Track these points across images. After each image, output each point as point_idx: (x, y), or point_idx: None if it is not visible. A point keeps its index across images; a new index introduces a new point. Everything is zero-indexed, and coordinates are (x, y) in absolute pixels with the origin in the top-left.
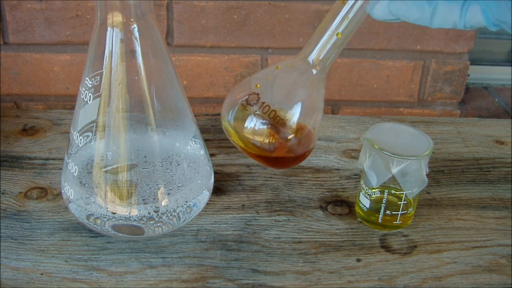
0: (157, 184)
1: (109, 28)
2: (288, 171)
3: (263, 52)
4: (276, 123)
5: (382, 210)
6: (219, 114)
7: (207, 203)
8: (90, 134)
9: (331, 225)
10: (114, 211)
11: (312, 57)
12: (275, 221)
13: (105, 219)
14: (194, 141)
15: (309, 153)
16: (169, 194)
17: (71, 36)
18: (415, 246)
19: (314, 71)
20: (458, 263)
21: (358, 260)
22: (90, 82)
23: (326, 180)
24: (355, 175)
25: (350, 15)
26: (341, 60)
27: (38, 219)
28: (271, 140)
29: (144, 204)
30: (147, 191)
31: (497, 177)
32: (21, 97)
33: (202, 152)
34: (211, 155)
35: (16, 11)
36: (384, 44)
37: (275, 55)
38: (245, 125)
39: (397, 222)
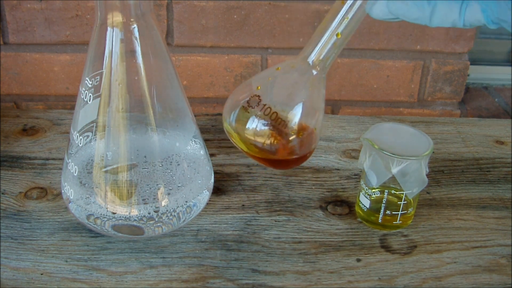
0: (157, 184)
1: (109, 28)
2: (288, 171)
3: (263, 52)
4: (277, 124)
5: (382, 210)
6: (219, 114)
7: (207, 203)
8: (90, 134)
9: (331, 225)
10: (114, 211)
11: (312, 57)
12: (275, 221)
13: (105, 219)
14: (194, 141)
15: (311, 154)
16: (169, 194)
17: (71, 36)
18: (415, 246)
19: (315, 72)
20: (458, 263)
21: (358, 260)
22: (90, 82)
23: (326, 180)
24: (355, 175)
25: (350, 15)
26: (341, 60)
27: (38, 219)
28: (273, 142)
29: (144, 204)
30: (147, 191)
31: (497, 177)
32: (21, 97)
33: (202, 152)
34: (211, 155)
35: (16, 11)
36: (384, 44)
37: (275, 55)
38: (247, 127)
39: (397, 222)
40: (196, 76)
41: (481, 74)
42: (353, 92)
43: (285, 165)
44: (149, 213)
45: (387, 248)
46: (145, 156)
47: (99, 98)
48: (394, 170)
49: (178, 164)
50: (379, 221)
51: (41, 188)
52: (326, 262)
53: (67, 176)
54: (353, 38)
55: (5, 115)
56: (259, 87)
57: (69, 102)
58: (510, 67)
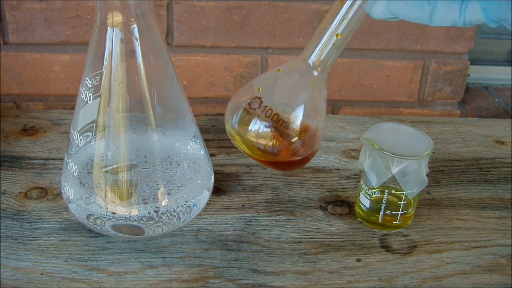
0: (157, 184)
1: (109, 28)
2: (288, 171)
3: (263, 52)
4: (279, 126)
5: (382, 210)
6: (219, 114)
7: (207, 203)
8: (90, 134)
9: (331, 225)
10: (114, 211)
11: (313, 58)
12: (275, 221)
13: (105, 219)
14: (194, 141)
15: (313, 155)
16: (169, 194)
17: (71, 36)
18: (415, 246)
19: (315, 73)
20: (458, 263)
21: (358, 260)
22: (90, 82)
23: (326, 180)
24: (355, 175)
25: (349, 15)
26: (341, 60)
27: (38, 219)
28: (275, 143)
29: (144, 204)
30: (147, 191)
31: (497, 177)
32: (21, 97)
33: (202, 152)
34: (211, 155)
35: (16, 11)
36: (384, 44)
37: (275, 55)
38: (249, 129)
39: (397, 222)
40: (196, 76)
41: (481, 74)
42: (353, 92)
43: (288, 167)
44: (149, 213)
45: (387, 248)
46: (145, 156)
47: (99, 98)
48: (394, 170)
49: (178, 164)
50: (379, 221)
51: (41, 188)
52: (326, 262)
53: (67, 176)
54: (353, 38)
55: (5, 115)
56: (260, 89)
57: (69, 102)
58: (510, 67)
